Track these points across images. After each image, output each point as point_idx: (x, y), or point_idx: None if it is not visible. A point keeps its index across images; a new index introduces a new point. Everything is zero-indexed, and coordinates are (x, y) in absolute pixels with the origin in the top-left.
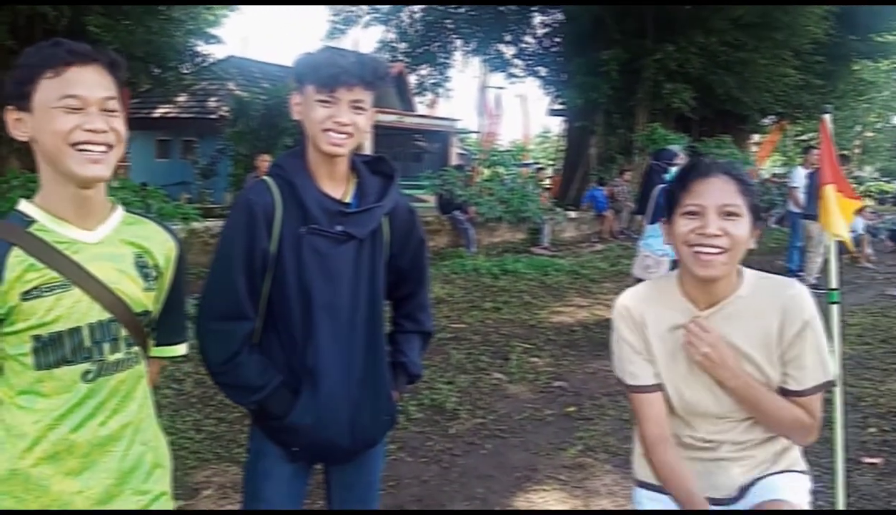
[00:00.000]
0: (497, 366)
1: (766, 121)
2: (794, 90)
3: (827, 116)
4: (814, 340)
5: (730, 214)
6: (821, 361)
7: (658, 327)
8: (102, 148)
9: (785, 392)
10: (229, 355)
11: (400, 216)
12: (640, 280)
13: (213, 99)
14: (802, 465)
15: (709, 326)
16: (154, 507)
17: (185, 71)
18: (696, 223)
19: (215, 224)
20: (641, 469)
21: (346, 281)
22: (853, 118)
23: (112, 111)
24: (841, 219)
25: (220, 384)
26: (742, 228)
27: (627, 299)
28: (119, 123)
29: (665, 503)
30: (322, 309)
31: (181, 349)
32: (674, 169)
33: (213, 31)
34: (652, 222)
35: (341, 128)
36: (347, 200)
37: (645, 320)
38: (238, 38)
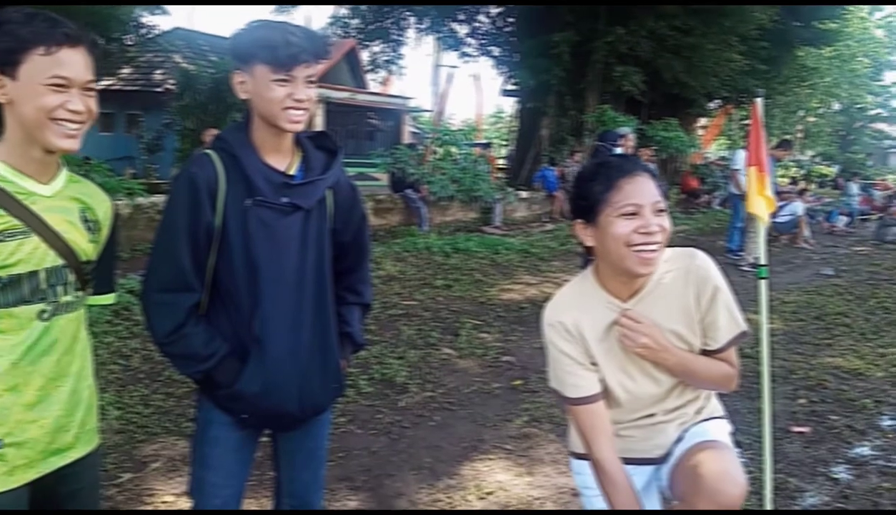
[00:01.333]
0: (447, 342)
1: (713, 105)
2: (739, 75)
3: (758, 100)
4: (724, 300)
5: (660, 210)
6: (732, 317)
7: (595, 331)
8: (77, 125)
9: (707, 352)
10: (175, 325)
11: (343, 191)
12: (586, 258)
13: (158, 72)
14: (721, 411)
15: (638, 316)
16: (89, 440)
17: (130, 42)
18: (637, 222)
19: (161, 200)
20: (576, 442)
21: (293, 251)
22: (796, 103)
23: (90, 92)
24: (760, 199)
25: (168, 354)
26: (668, 222)
27: (557, 312)
28: (94, 103)
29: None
30: (269, 279)
31: (110, 299)
32: (619, 150)
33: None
34: None
35: (300, 104)
36: (292, 172)
37: (581, 329)
38: (184, 9)
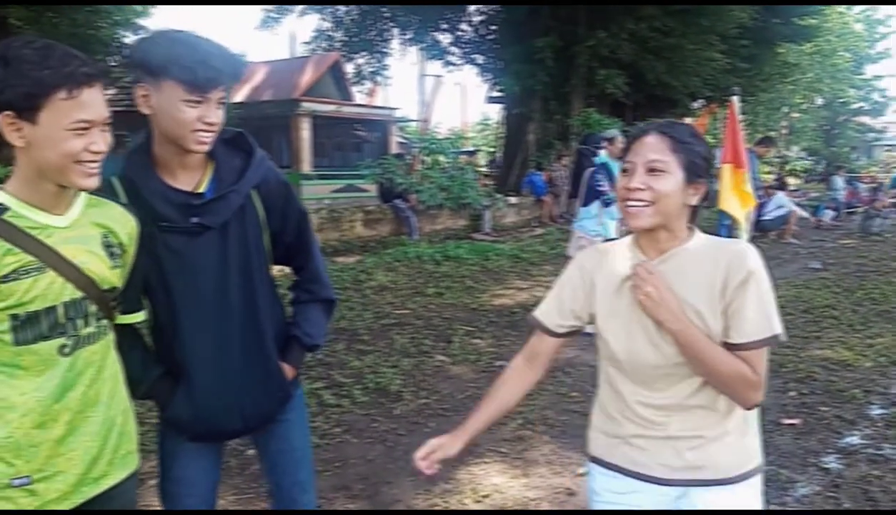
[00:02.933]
0: (440, 349)
1: (696, 104)
2: (721, 74)
3: (735, 99)
4: (757, 292)
5: (653, 169)
6: (764, 314)
7: (609, 282)
8: (99, 162)
9: (728, 346)
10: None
11: (273, 192)
12: None
13: None
14: (754, 460)
15: (654, 269)
16: (124, 464)
17: (113, 63)
18: (627, 179)
19: None
20: (593, 444)
21: (210, 272)
22: (779, 100)
23: (107, 127)
24: (733, 196)
25: None
26: (666, 183)
27: (586, 254)
28: (109, 136)
29: (616, 476)
30: (185, 306)
31: (140, 317)
32: (603, 152)
33: (141, 21)
34: (585, 205)
35: (211, 128)
36: (202, 189)
37: (594, 277)
38: (170, 18)
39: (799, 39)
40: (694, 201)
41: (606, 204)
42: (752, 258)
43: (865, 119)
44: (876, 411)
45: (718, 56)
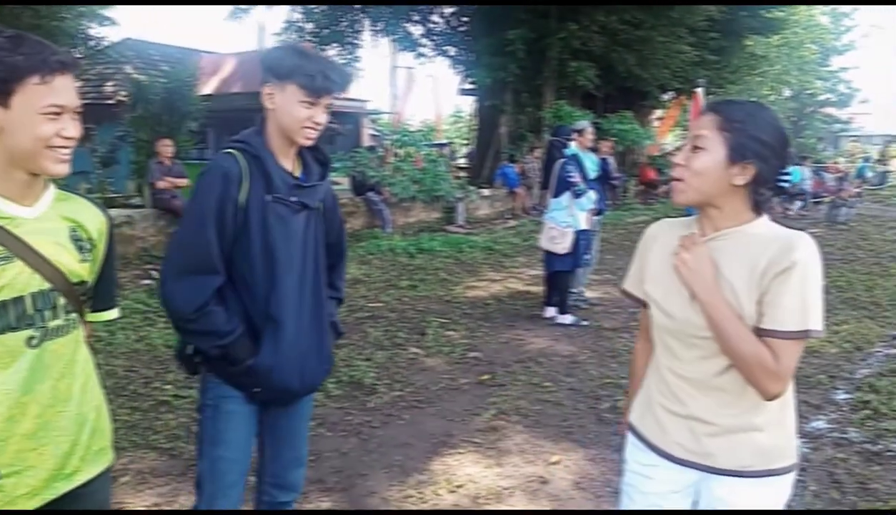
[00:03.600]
0: (414, 341)
1: (666, 97)
2: (690, 66)
3: (699, 90)
4: (799, 282)
5: (696, 146)
6: (802, 306)
7: (662, 250)
8: (70, 149)
9: (758, 331)
10: (200, 304)
11: (329, 200)
12: (547, 252)
13: (109, 84)
14: (786, 458)
15: (699, 242)
16: (97, 460)
17: (79, 55)
18: (677, 155)
19: (118, 214)
20: (632, 411)
21: (299, 244)
22: (747, 92)
23: (78, 115)
24: None
25: (189, 331)
26: (702, 160)
27: (654, 226)
28: (80, 124)
29: (641, 448)
30: (283, 266)
31: (113, 314)
32: (573, 143)
33: (106, 12)
34: (555, 196)
35: (317, 126)
36: (297, 175)
37: (655, 239)
38: (135, 19)
39: (766, 32)
40: (739, 181)
41: (576, 195)
42: (803, 249)
43: (832, 110)
44: (841, 395)
45: (687, 48)
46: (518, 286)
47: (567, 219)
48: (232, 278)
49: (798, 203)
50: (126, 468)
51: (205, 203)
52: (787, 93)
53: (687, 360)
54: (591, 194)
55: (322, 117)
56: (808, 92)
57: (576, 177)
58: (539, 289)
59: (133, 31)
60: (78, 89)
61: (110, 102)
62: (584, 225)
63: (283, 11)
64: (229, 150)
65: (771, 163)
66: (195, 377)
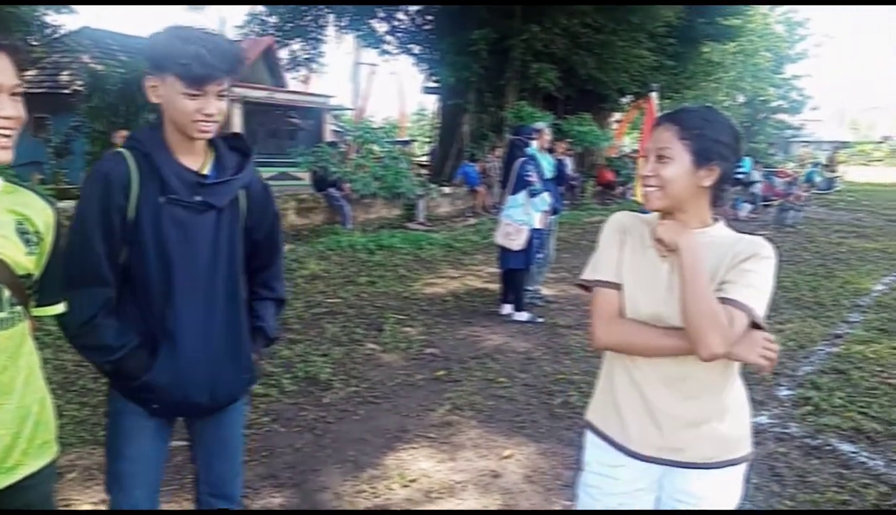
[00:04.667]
0: (371, 337)
1: (625, 100)
2: (648, 71)
3: (653, 94)
4: (754, 268)
5: (661, 157)
6: (757, 289)
7: (637, 239)
8: (9, 133)
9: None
10: (87, 318)
11: (256, 192)
12: (502, 248)
13: (65, 73)
14: (743, 447)
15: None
16: (40, 453)
17: (35, 43)
18: (643, 166)
19: (71, 205)
20: (591, 409)
21: (205, 249)
22: (703, 97)
23: (17, 96)
24: None
25: (79, 346)
26: (670, 169)
27: (623, 215)
28: (22, 108)
29: (604, 449)
30: (181, 275)
31: (59, 309)
32: (534, 143)
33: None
34: (513, 194)
35: (209, 118)
36: (205, 172)
37: (627, 229)
38: (92, 8)
39: (723, 39)
40: (707, 182)
41: (532, 195)
42: (768, 249)
43: (784, 117)
44: (784, 392)
45: (646, 53)
46: (476, 284)
47: (523, 217)
48: (131, 288)
49: (748, 206)
50: (73, 464)
51: (88, 211)
52: (741, 99)
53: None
54: (546, 196)
55: (214, 107)
56: (762, 98)
57: (533, 177)
58: (496, 286)
59: (91, 20)
60: (31, 78)
61: (66, 91)
62: (538, 224)
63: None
64: (120, 148)
65: (730, 161)
66: None
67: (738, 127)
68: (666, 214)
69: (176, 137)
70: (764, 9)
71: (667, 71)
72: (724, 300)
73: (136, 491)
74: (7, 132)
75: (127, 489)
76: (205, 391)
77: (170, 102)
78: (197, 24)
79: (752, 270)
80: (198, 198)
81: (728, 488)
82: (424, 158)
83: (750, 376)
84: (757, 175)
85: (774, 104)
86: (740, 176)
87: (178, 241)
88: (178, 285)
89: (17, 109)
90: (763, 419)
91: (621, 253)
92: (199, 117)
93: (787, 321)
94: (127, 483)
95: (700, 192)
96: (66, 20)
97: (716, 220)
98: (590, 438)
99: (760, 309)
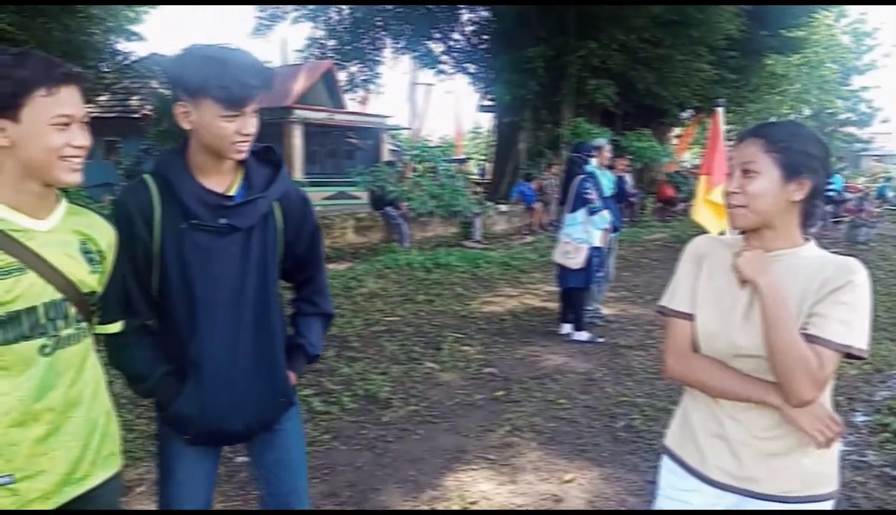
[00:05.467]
0: (429, 356)
1: (685, 114)
2: (709, 85)
3: (719, 110)
4: (852, 300)
5: (747, 171)
6: (849, 322)
7: (715, 264)
8: (81, 159)
9: (805, 337)
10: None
11: (293, 205)
12: (561, 267)
13: (135, 97)
14: (830, 484)
15: (759, 250)
16: (107, 465)
17: (106, 69)
18: (728, 183)
19: None
20: (669, 433)
21: (231, 272)
22: (767, 110)
23: (86, 125)
24: (705, 207)
25: (119, 373)
26: (758, 184)
27: (702, 240)
28: (89, 134)
29: (679, 474)
30: (205, 302)
31: (117, 327)
32: (593, 161)
33: (134, 28)
34: (572, 212)
35: (247, 138)
36: (232, 192)
37: (705, 254)
38: (162, 35)
39: (786, 51)
40: (798, 196)
41: (592, 212)
42: (860, 273)
43: (852, 130)
44: (860, 418)
45: (707, 67)
46: (534, 302)
47: (582, 235)
48: (164, 316)
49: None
50: (142, 478)
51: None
52: (807, 112)
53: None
54: (606, 214)
55: (251, 126)
56: (829, 111)
57: (592, 194)
58: (555, 305)
59: (159, 47)
60: (103, 103)
61: (136, 115)
62: (598, 243)
63: (306, 28)
64: (143, 175)
65: (820, 175)
66: None
67: (823, 139)
68: (752, 234)
69: (204, 160)
70: (829, 20)
71: (729, 84)
72: (813, 339)
73: (186, 511)
74: (79, 159)
75: (177, 509)
76: (237, 419)
77: (205, 126)
78: (222, 42)
79: (845, 301)
80: (222, 221)
81: None
82: (475, 176)
83: None
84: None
85: (842, 117)
86: (831, 193)
87: (200, 267)
88: (200, 312)
89: (87, 138)
90: (839, 447)
91: (696, 282)
92: (238, 139)
93: None
94: (176, 506)
95: (790, 208)
96: (136, 47)
97: (807, 239)
98: (665, 462)
99: (858, 341)
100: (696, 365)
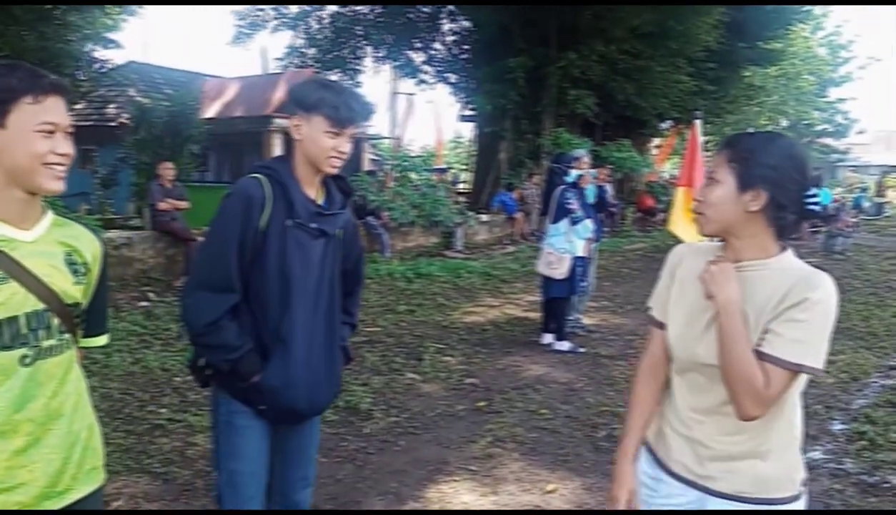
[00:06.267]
0: (411, 366)
1: (664, 125)
2: (688, 96)
3: (697, 122)
4: (808, 317)
5: (710, 179)
6: (805, 341)
7: (688, 271)
8: (63, 167)
9: (756, 354)
10: (213, 319)
11: (349, 229)
12: (545, 277)
13: (112, 106)
14: (793, 487)
15: (728, 266)
16: (89, 479)
17: (83, 77)
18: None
19: (118, 235)
20: (649, 429)
21: (315, 269)
22: (746, 122)
23: (70, 135)
24: (684, 218)
25: (202, 344)
26: (716, 192)
27: (681, 247)
28: (72, 144)
29: (650, 462)
30: (297, 290)
31: (103, 340)
32: (574, 172)
33: (111, 35)
34: (554, 222)
35: (342, 155)
36: (320, 203)
37: (680, 262)
38: (139, 43)
39: (764, 63)
40: (754, 207)
41: (574, 222)
42: (823, 289)
43: (829, 141)
44: (837, 426)
45: (685, 78)
46: (516, 312)
47: (565, 245)
48: (248, 297)
49: None
50: (119, 492)
51: (227, 225)
52: (784, 123)
53: (696, 386)
54: (588, 223)
55: (346, 147)
56: (806, 122)
57: (573, 204)
58: (537, 315)
59: (137, 55)
60: (79, 111)
61: (112, 124)
62: (581, 252)
63: (286, 37)
64: (255, 174)
65: (785, 187)
66: (190, 400)
67: (804, 155)
68: (726, 242)
69: (305, 170)
70: (806, 32)
71: (707, 96)
72: (764, 357)
73: (247, 490)
74: (62, 167)
75: (240, 487)
76: (305, 397)
77: (311, 139)
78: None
79: (800, 319)
80: (314, 225)
81: None
82: (462, 186)
83: (802, 410)
84: None
85: (819, 128)
86: (815, 207)
87: (297, 260)
88: (294, 298)
89: (70, 146)
90: (817, 455)
91: (669, 292)
92: (334, 154)
93: (839, 353)
94: (240, 482)
95: (751, 218)
96: (114, 55)
97: (783, 248)
98: (643, 453)
99: (813, 361)
100: (639, 381)
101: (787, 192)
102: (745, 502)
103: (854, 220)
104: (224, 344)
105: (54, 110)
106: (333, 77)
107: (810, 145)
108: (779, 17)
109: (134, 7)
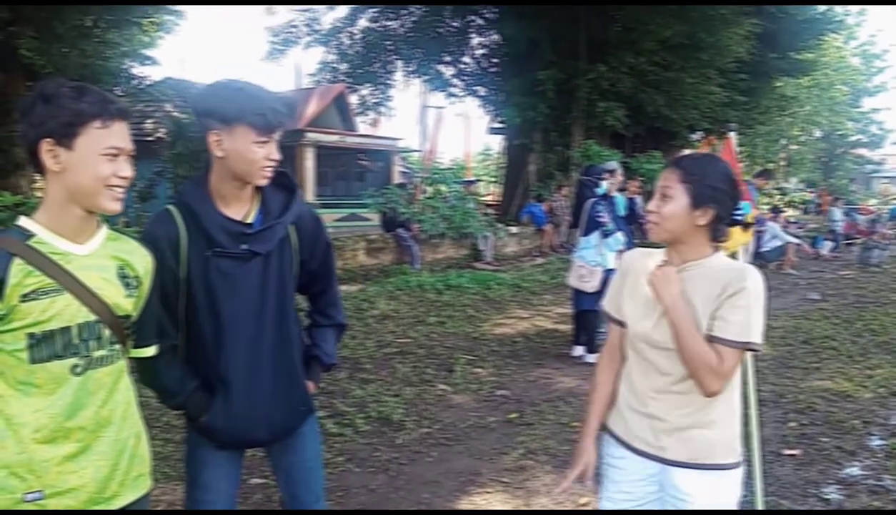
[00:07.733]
0: (442, 378)
1: (695, 136)
2: (719, 107)
3: (732, 135)
4: (746, 303)
5: (664, 195)
6: (746, 322)
7: (639, 272)
8: (124, 189)
9: (709, 338)
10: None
11: (306, 225)
12: (576, 290)
13: (149, 121)
14: (732, 455)
15: (671, 271)
16: (136, 486)
17: (121, 93)
18: (649, 202)
19: None
20: (610, 414)
21: (253, 295)
22: (778, 132)
23: (131, 158)
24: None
25: (151, 389)
26: (670, 207)
27: (635, 252)
28: (133, 167)
29: (612, 444)
30: (230, 323)
31: (151, 351)
32: (604, 183)
33: (148, 52)
34: (585, 235)
35: (274, 162)
36: (250, 220)
37: (631, 265)
38: (176, 59)
39: (796, 73)
40: (702, 221)
41: (605, 235)
42: (752, 279)
43: (863, 151)
44: (876, 442)
45: (717, 90)
46: (546, 324)
47: (596, 258)
48: (191, 337)
49: (829, 245)
50: (158, 499)
51: None
52: (817, 133)
53: (652, 368)
54: (620, 236)
55: (277, 152)
56: (839, 133)
57: (604, 217)
58: (567, 327)
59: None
60: (130, 135)
61: (150, 138)
62: (612, 265)
63: (318, 53)
64: (168, 206)
65: (726, 204)
66: None
67: (733, 174)
68: (670, 246)
69: (227, 188)
70: (838, 42)
71: (739, 107)
72: (715, 339)
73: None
74: (123, 189)
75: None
76: (262, 428)
77: (237, 153)
78: (243, 77)
79: (740, 305)
80: (244, 247)
81: (718, 490)
82: (488, 198)
83: (839, 425)
84: (837, 213)
85: (853, 139)
86: (738, 217)
87: (225, 290)
88: (226, 332)
89: (131, 170)
90: (854, 471)
91: (621, 291)
92: (266, 163)
93: (877, 367)
94: (203, 507)
95: (697, 229)
96: (151, 71)
97: (716, 249)
98: (605, 436)
99: (754, 336)
100: (596, 368)
101: (727, 208)
102: (697, 468)
103: (890, 232)
104: (163, 390)
105: (120, 135)
106: (365, 91)
107: (844, 156)
108: (811, 27)
109: (171, 24)
